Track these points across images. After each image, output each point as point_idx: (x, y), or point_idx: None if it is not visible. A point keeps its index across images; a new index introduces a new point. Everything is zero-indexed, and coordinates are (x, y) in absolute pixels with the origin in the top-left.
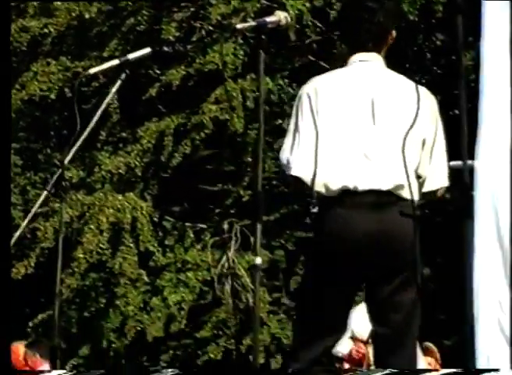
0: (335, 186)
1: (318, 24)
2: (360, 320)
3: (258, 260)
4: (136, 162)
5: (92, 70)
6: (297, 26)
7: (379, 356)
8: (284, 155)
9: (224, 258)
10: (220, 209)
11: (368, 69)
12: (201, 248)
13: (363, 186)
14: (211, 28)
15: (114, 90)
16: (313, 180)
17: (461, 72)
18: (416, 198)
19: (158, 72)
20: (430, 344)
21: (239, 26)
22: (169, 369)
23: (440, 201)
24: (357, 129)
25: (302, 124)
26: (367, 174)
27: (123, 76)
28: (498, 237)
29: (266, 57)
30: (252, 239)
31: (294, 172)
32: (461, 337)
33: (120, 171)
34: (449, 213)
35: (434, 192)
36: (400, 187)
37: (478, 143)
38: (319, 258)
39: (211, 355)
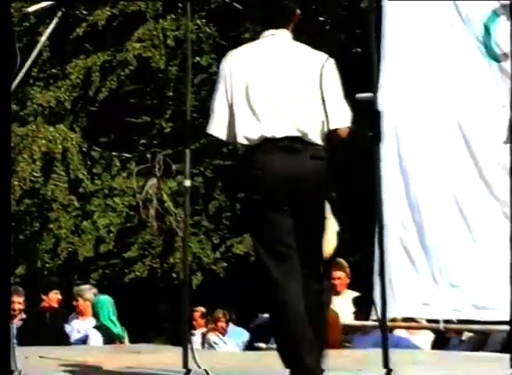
0: (255, 136)
1: None
2: None
3: (187, 183)
4: (66, 97)
5: (30, 9)
6: None
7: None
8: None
9: (148, 184)
10: (144, 140)
11: (276, 41)
12: (127, 175)
13: (279, 134)
14: None
15: (52, 27)
16: (228, 136)
17: (372, 8)
18: (319, 140)
19: (84, 12)
20: (341, 260)
21: None
22: None
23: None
24: (268, 91)
25: (218, 94)
26: (280, 125)
27: (59, 14)
28: (399, 161)
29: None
30: (174, 167)
31: (211, 131)
32: (366, 254)
33: (51, 105)
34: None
35: (335, 134)
36: (307, 134)
37: (381, 77)
38: (249, 194)
39: (138, 273)
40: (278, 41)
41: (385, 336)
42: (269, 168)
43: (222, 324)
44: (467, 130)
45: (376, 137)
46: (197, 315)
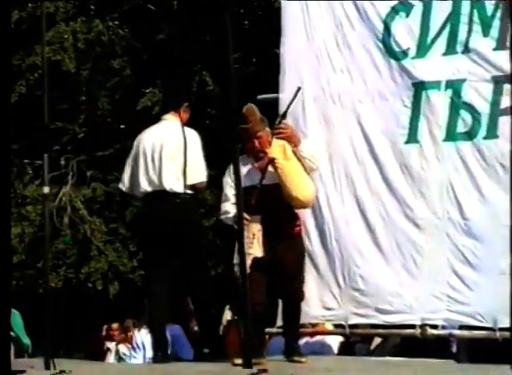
0: (140, 191)
1: None
2: None
3: (46, 189)
4: None
5: None
6: None
7: None
8: None
9: (62, 192)
10: (57, 146)
11: (166, 124)
12: (39, 183)
13: (154, 188)
14: None
15: None
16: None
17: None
18: (183, 191)
19: None
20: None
21: None
22: None
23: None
24: (150, 159)
25: (128, 161)
26: (155, 183)
27: None
28: None
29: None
30: (88, 173)
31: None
32: None
33: None
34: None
35: (195, 185)
36: (173, 187)
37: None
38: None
39: (52, 284)
40: (167, 124)
41: None
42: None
43: (131, 334)
44: (367, 128)
45: (232, 137)
46: (114, 327)
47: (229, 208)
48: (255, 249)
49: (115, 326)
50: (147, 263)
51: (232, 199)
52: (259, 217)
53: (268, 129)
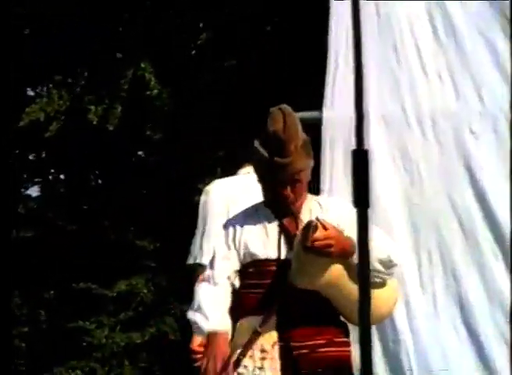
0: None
1: None
2: None
3: None
4: None
5: None
6: None
7: None
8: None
9: None
10: None
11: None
12: None
13: None
14: None
15: None
16: None
17: None
18: None
19: None
20: None
21: None
22: None
23: None
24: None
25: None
26: None
27: None
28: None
29: None
30: None
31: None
32: None
33: None
34: None
35: None
36: None
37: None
38: None
39: None
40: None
41: None
42: None
43: None
44: (485, 179)
45: (361, 199)
46: None
47: (209, 306)
48: None
49: None
50: None
51: (229, 269)
52: (274, 321)
53: (311, 161)
